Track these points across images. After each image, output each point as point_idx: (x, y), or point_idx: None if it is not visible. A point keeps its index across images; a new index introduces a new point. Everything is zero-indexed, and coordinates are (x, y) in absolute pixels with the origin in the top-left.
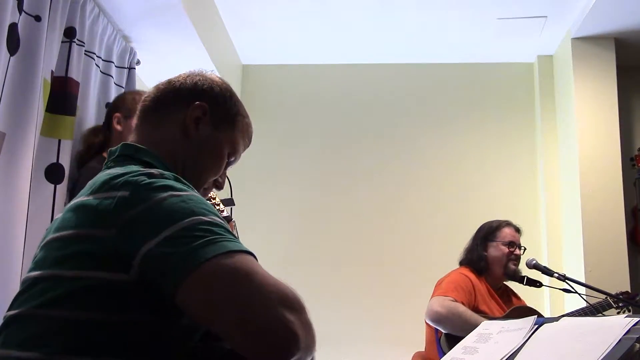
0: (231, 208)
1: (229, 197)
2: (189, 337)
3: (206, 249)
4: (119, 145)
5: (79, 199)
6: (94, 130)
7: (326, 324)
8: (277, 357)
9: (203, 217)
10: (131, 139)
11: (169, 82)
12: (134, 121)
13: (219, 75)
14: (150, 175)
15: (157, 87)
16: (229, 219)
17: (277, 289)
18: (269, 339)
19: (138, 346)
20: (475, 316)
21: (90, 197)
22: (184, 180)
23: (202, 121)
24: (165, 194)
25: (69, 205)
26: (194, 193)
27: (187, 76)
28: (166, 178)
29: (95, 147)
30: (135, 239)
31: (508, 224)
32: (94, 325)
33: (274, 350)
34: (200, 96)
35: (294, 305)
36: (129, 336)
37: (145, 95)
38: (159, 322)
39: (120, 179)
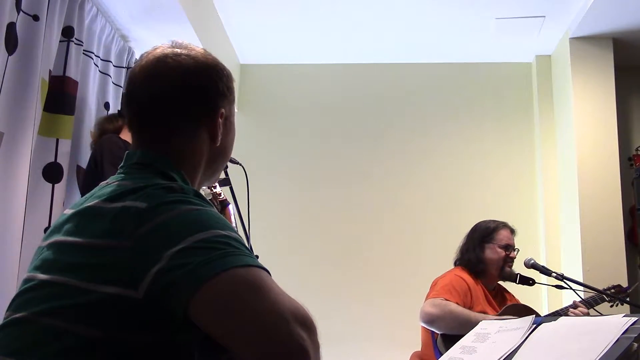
0: (230, 188)
1: (225, 176)
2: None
3: (223, 260)
4: (138, 152)
5: (93, 203)
6: (109, 118)
7: (324, 324)
8: None
9: (220, 231)
10: (141, 143)
11: (182, 79)
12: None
13: (209, 54)
14: (170, 190)
15: (156, 81)
16: (225, 204)
17: (292, 306)
18: (280, 353)
19: None
20: (467, 312)
21: (107, 205)
22: (203, 196)
23: (223, 125)
24: (183, 207)
25: (82, 206)
26: (212, 209)
27: (198, 70)
28: (185, 193)
29: (109, 132)
30: (151, 253)
31: (504, 225)
32: (94, 341)
33: None
34: (222, 98)
35: (307, 324)
36: (128, 356)
37: (146, 82)
38: (161, 344)
39: (140, 192)
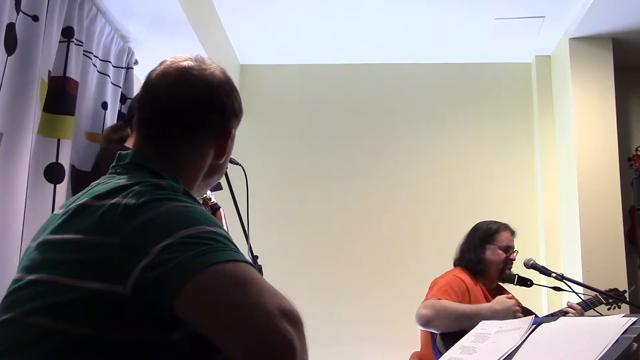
0: (230, 188)
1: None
2: (180, 357)
3: (209, 255)
4: (130, 152)
5: (82, 201)
6: (115, 128)
7: (324, 324)
8: None
9: (207, 227)
10: (142, 144)
11: (205, 94)
12: (136, 120)
13: (227, 73)
14: (158, 187)
15: (179, 90)
16: (216, 208)
17: (279, 301)
18: (266, 348)
19: None
20: (461, 306)
21: (96, 202)
22: (192, 195)
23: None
24: (171, 204)
25: (71, 205)
26: (201, 207)
27: (220, 89)
28: (175, 191)
29: (113, 142)
30: (138, 249)
31: (506, 227)
32: (81, 339)
33: (271, 358)
34: (234, 118)
35: (294, 318)
36: (117, 354)
37: (169, 89)
38: (150, 341)
39: (130, 188)
